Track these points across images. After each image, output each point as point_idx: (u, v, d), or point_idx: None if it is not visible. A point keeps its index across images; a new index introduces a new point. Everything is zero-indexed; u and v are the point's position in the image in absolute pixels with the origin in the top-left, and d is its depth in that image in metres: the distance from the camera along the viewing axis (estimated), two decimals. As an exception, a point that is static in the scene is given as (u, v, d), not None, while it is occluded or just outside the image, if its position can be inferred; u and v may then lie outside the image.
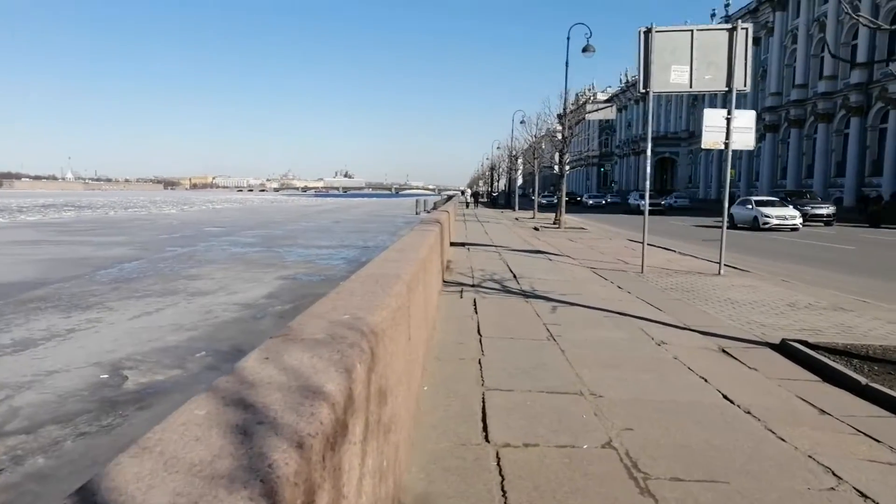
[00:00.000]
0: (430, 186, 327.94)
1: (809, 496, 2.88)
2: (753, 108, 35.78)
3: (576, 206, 58.91)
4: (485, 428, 3.63)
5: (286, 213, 62.73)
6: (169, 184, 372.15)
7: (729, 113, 10.80)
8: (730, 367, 5.25)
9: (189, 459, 1.08)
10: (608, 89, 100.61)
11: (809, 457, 3.31)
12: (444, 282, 9.58)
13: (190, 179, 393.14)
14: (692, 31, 10.87)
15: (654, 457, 3.25)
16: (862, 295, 9.00)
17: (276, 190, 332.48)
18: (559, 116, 31.49)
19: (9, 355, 8.51)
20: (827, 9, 46.48)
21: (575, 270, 11.79)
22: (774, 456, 3.32)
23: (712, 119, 11.02)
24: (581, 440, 3.45)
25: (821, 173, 46.94)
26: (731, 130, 10.76)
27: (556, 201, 30.79)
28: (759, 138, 43.05)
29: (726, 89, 10.80)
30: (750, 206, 27.77)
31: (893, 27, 5.26)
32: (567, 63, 26.14)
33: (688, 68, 10.81)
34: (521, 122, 43.07)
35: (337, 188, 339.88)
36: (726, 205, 11.22)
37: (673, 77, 10.90)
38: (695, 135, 68.60)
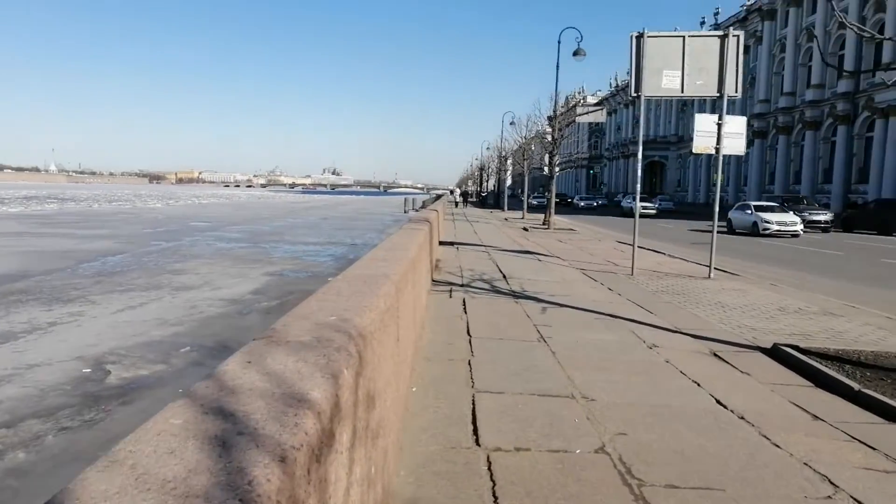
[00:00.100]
0: (419, 185, 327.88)
1: (806, 506, 2.81)
2: (742, 114, 35.93)
3: (567, 207, 58.92)
4: (475, 431, 3.54)
5: (273, 209, 62.34)
6: (154, 178, 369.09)
7: (720, 118, 10.80)
8: (722, 371, 5.19)
9: (162, 475, 0.97)
10: (598, 93, 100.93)
11: (805, 464, 3.25)
12: (434, 281, 9.49)
13: (176, 174, 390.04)
14: (684, 36, 10.87)
15: (648, 462, 3.18)
16: (851, 300, 9.01)
17: (264, 186, 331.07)
18: (549, 118, 31.49)
19: (-12, 348, 8.32)
20: (815, 19, 46.94)
21: (565, 271, 11.74)
22: (770, 463, 3.25)
23: (704, 124, 11.01)
24: (574, 445, 3.37)
25: (808, 180, 47.36)
26: (722, 136, 10.76)
27: (546, 202, 30.78)
28: (748, 144, 43.32)
29: (717, 95, 10.80)
30: (749, 212, 27.02)
31: (887, 37, 5.23)
32: (557, 66, 26.07)
33: (679, 73, 10.80)
34: (510, 124, 43.14)
35: (325, 185, 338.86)
36: (717, 209, 11.21)
37: (664, 82, 10.88)
38: (684, 139, 68.98)
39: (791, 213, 26.95)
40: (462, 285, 9.31)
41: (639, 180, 11.99)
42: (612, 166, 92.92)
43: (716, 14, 62.58)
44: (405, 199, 64.26)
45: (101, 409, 6.30)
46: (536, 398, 4.18)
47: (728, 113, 10.87)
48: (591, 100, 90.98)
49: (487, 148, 68.29)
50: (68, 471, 4.91)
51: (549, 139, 28.83)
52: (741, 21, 56.39)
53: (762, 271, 13.16)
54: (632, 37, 10.94)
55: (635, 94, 11.09)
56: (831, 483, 3.02)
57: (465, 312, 7.23)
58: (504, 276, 10.49)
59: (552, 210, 27.34)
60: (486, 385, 4.44)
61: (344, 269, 3.57)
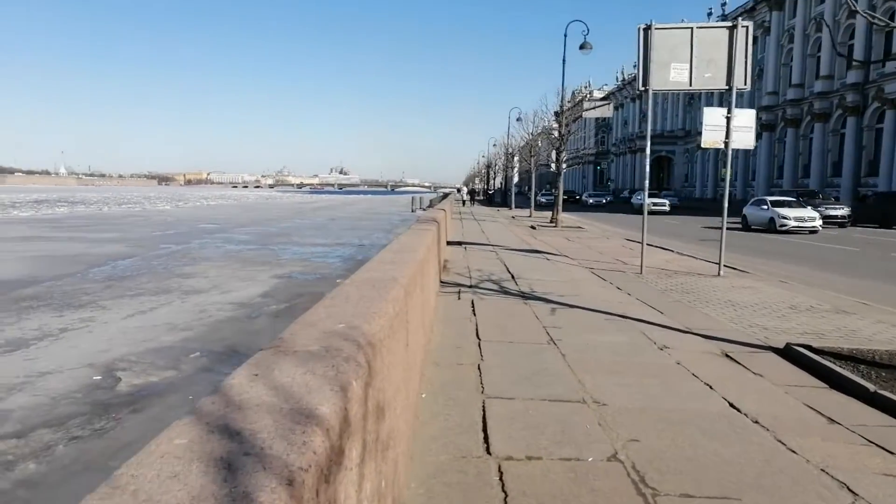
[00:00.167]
0: (426, 184, 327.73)
1: (825, 513, 2.76)
2: (750, 106, 35.73)
3: (575, 204, 58.49)
4: (486, 439, 3.50)
5: (281, 209, 62.45)
6: (163, 179, 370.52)
7: (729, 112, 10.69)
8: (734, 372, 5.13)
9: (165, 503, 0.94)
10: (604, 87, 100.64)
11: (822, 470, 3.20)
12: (442, 282, 9.45)
13: (184, 175, 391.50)
14: (692, 28, 10.75)
15: (662, 471, 3.13)
16: (862, 297, 8.91)
17: (271, 186, 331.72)
18: (556, 114, 31.36)
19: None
20: (823, 9, 46.50)
21: (573, 271, 11.67)
22: (786, 469, 3.20)
23: (712, 118, 10.91)
24: (586, 452, 3.32)
25: (817, 173, 46.98)
26: (731, 129, 10.65)
27: (554, 200, 30.64)
28: (756, 137, 43.22)
29: (726, 87, 10.69)
30: (765, 207, 26.10)
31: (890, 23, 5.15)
32: (564, 60, 25.91)
33: (687, 66, 10.69)
34: (517, 120, 43.00)
35: (332, 185, 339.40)
36: (726, 204, 11.10)
37: (672, 75, 10.78)
38: (691, 133, 68.63)
39: (809, 208, 26.14)
40: (470, 286, 9.27)
41: (647, 176, 11.90)
42: (619, 162, 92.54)
43: (723, 5, 62.10)
44: (412, 198, 64.26)
45: (112, 417, 6.29)
46: (547, 403, 4.13)
47: (736, 106, 10.76)
48: (597, 94, 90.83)
49: (494, 145, 68.18)
50: (79, 482, 4.89)
51: (556, 135, 28.69)
52: (748, 11, 55.92)
53: (775, 268, 13.04)
54: (639, 29, 10.85)
55: (643, 88, 11.00)
56: (850, 490, 2.96)
57: (474, 314, 7.19)
58: (512, 277, 10.44)
59: (560, 208, 27.23)
60: (497, 390, 4.40)
61: (352, 270, 3.54)
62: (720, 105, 10.85)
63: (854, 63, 40.45)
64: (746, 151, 46.02)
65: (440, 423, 3.77)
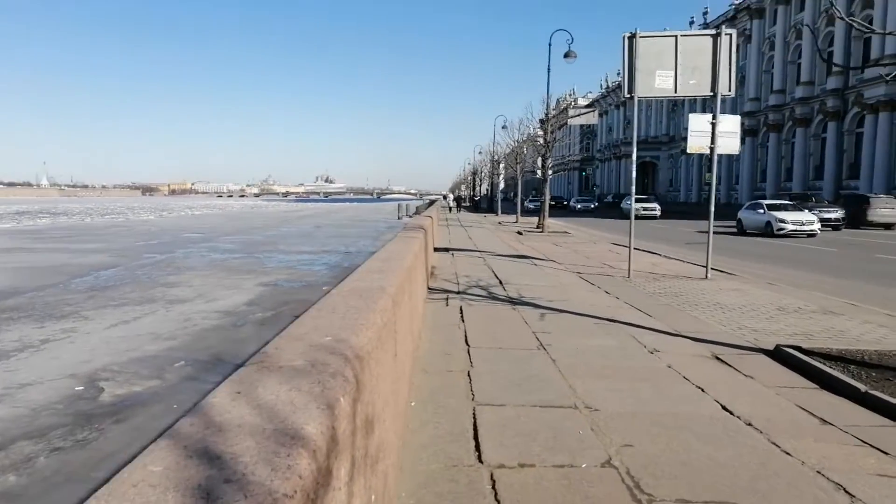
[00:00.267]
0: (412, 191, 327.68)
1: (822, 518, 2.72)
2: (733, 112, 36.05)
3: (563, 210, 58.51)
4: (477, 447, 3.43)
5: (267, 218, 62.07)
6: (147, 190, 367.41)
7: (714, 118, 10.75)
8: (725, 375, 5.11)
9: (138, 536, 0.88)
10: (589, 94, 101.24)
11: (818, 472, 3.16)
12: (430, 289, 9.39)
13: (169, 185, 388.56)
14: (676, 36, 10.81)
15: (657, 476, 3.08)
16: (849, 298, 8.96)
17: (257, 195, 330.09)
18: (541, 121, 31.47)
19: (-22, 369, 8.18)
20: (803, 17, 47.19)
21: (561, 275, 11.65)
22: (781, 472, 3.16)
23: (697, 124, 10.96)
24: (579, 459, 3.27)
25: (799, 177, 47.56)
26: (716, 135, 10.71)
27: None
28: (740, 142, 43.45)
29: (711, 94, 10.75)
30: (761, 211, 25.62)
31: (887, 32, 5.19)
32: (549, 69, 26.04)
33: (672, 73, 10.74)
34: (502, 127, 43.08)
35: (318, 193, 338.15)
36: (712, 208, 11.14)
37: (657, 82, 10.82)
38: (675, 139, 69.21)
39: (806, 211, 25.62)
40: (458, 292, 9.21)
41: (633, 181, 11.92)
42: (604, 168, 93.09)
43: (705, 13, 62.93)
44: (398, 206, 64.16)
45: (94, 427, 6.19)
46: (539, 409, 4.07)
47: (720, 112, 10.83)
48: (581, 102, 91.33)
49: (480, 152, 68.19)
50: (60, 493, 4.81)
51: (542, 142, 28.76)
52: (730, 20, 56.66)
53: (769, 272, 13.11)
54: (624, 38, 10.89)
55: (628, 96, 11.03)
56: (847, 492, 2.93)
57: (463, 321, 7.13)
58: (500, 282, 10.39)
59: (546, 213, 27.28)
60: (487, 397, 4.33)
61: (339, 277, 3.47)
62: (703, 111, 10.92)
63: (836, 68, 40.97)
64: (730, 156, 46.23)
65: (430, 431, 3.70)
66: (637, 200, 40.52)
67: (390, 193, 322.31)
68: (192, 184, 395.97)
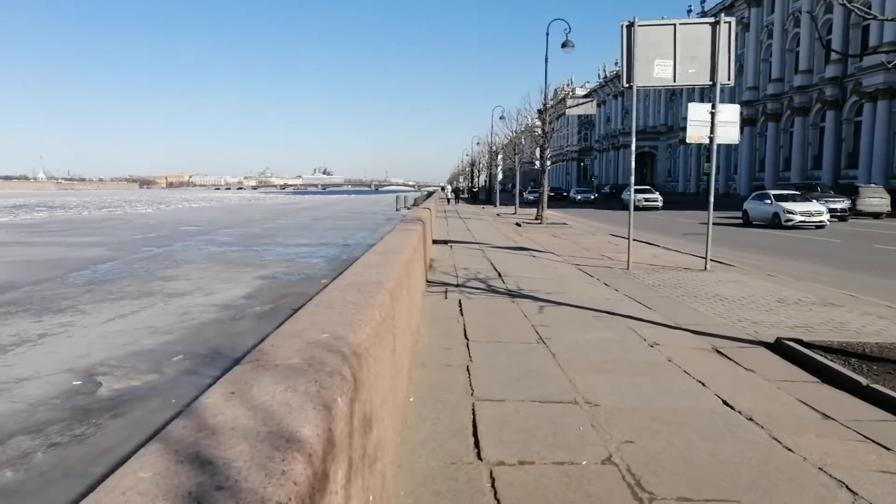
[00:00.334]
0: (411, 183, 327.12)
1: (825, 514, 2.70)
2: (731, 102, 35.90)
3: (562, 201, 58.32)
4: (476, 444, 3.40)
5: (264, 210, 61.93)
6: (145, 183, 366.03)
7: (713, 107, 10.70)
8: (726, 368, 5.08)
9: (125, 548, 0.84)
10: (587, 84, 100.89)
11: (820, 469, 3.14)
12: (428, 282, 9.35)
13: (166, 178, 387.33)
14: (675, 25, 10.73)
15: (658, 473, 3.05)
16: (848, 289, 8.94)
17: (255, 188, 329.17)
18: (539, 112, 31.36)
19: (-25, 363, 8.14)
20: (801, 4, 46.99)
21: (560, 267, 11.62)
22: (783, 469, 3.13)
23: (697, 113, 10.91)
24: (579, 456, 3.24)
25: (798, 166, 47.50)
26: (715, 124, 10.66)
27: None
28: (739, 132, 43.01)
29: (710, 83, 10.69)
30: (769, 202, 24.70)
31: (890, 18, 5.13)
32: (546, 58, 25.91)
33: (671, 62, 10.67)
34: (500, 118, 42.95)
35: (316, 185, 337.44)
36: (711, 199, 11.11)
37: (656, 71, 10.76)
38: (673, 129, 69.07)
39: (815, 201, 24.77)
40: (457, 285, 9.18)
41: (633, 171, 11.88)
42: (602, 158, 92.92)
43: (703, 2, 62.58)
44: (397, 197, 64.05)
45: (92, 422, 6.16)
46: (538, 405, 4.05)
47: (718, 101, 10.78)
48: (579, 91, 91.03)
49: (477, 143, 67.99)
50: (57, 488, 4.78)
51: (540, 132, 28.68)
52: (728, 8, 56.35)
53: (755, 261, 13.08)
54: (622, 26, 10.82)
55: (627, 85, 10.96)
56: (849, 490, 2.91)
57: (462, 314, 7.10)
58: (499, 275, 10.36)
59: (545, 204, 27.23)
60: (486, 392, 4.30)
61: (337, 270, 3.43)
62: (701, 100, 10.89)
63: (836, 55, 40.81)
64: (728, 146, 46.16)
65: (429, 427, 3.67)
66: (638, 191, 40.61)
67: (388, 185, 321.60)
68: (190, 176, 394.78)
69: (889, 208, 29.62)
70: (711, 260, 11.13)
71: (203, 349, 8.77)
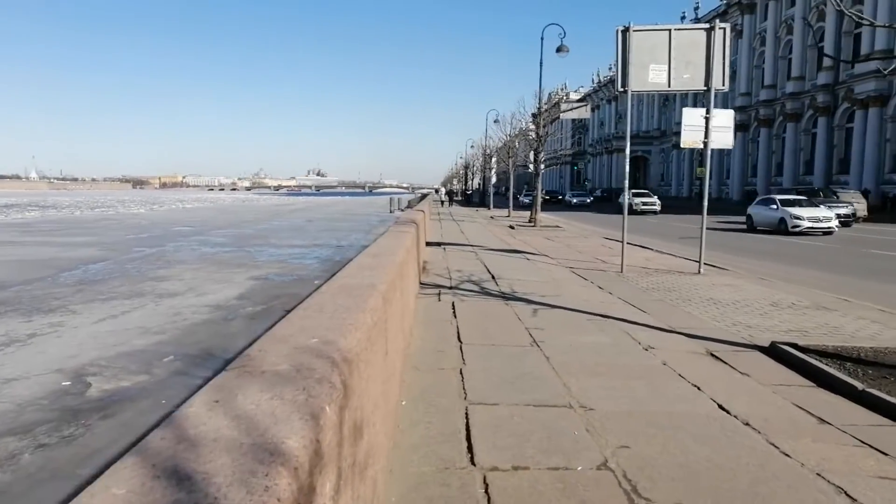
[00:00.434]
0: (404, 185, 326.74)
1: (824, 522, 2.65)
2: (724, 107, 35.82)
3: (557, 204, 58.19)
4: (470, 448, 3.34)
5: (258, 211, 61.70)
6: (138, 183, 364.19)
7: (708, 112, 10.70)
8: (721, 372, 5.05)
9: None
10: (580, 89, 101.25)
11: (818, 474, 3.10)
12: (421, 284, 9.29)
13: (159, 178, 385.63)
14: (670, 30, 10.74)
15: (654, 479, 3.00)
16: (842, 293, 8.93)
17: (248, 189, 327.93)
18: (534, 115, 31.38)
19: (-38, 364, 8.03)
20: (794, 12, 47.26)
21: (554, 270, 11.59)
22: (781, 474, 3.09)
23: (691, 118, 10.90)
24: (574, 461, 3.18)
25: (790, 171, 47.74)
26: (709, 129, 10.66)
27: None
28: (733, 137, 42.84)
29: (705, 88, 10.69)
30: (774, 207, 23.89)
31: (886, 25, 5.12)
32: (541, 63, 25.95)
33: (666, 67, 10.67)
34: (494, 121, 43.04)
35: (310, 187, 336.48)
36: (706, 203, 11.10)
37: (651, 76, 10.75)
38: (666, 134, 69.30)
39: (823, 207, 24.19)
40: (451, 287, 9.12)
41: (627, 175, 11.87)
42: (595, 162, 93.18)
43: (696, 8, 62.94)
44: (391, 199, 63.87)
45: (81, 423, 6.09)
46: (532, 409, 3.99)
47: (712, 106, 10.78)
48: (573, 96, 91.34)
49: (472, 146, 68.10)
50: (45, 490, 4.71)
51: (534, 136, 28.68)
52: (721, 14, 56.69)
53: (747, 264, 13.08)
54: (617, 31, 10.81)
55: (622, 90, 10.94)
56: (848, 496, 2.86)
57: (455, 316, 7.04)
58: (493, 277, 10.31)
59: (538, 207, 27.23)
60: (480, 396, 4.24)
61: (330, 271, 3.36)
62: (695, 106, 10.93)
63: (833, 60, 40.99)
64: (721, 151, 46.42)
65: (421, 431, 3.61)
66: (636, 195, 40.55)
67: (382, 187, 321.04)
68: (184, 177, 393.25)
69: (866, 212, 29.66)
70: (705, 264, 11.11)
71: (195, 350, 8.68)
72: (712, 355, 5.56)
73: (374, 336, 2.47)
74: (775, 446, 3.46)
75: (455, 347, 5.64)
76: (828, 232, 22.34)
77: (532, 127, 32.36)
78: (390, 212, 51.26)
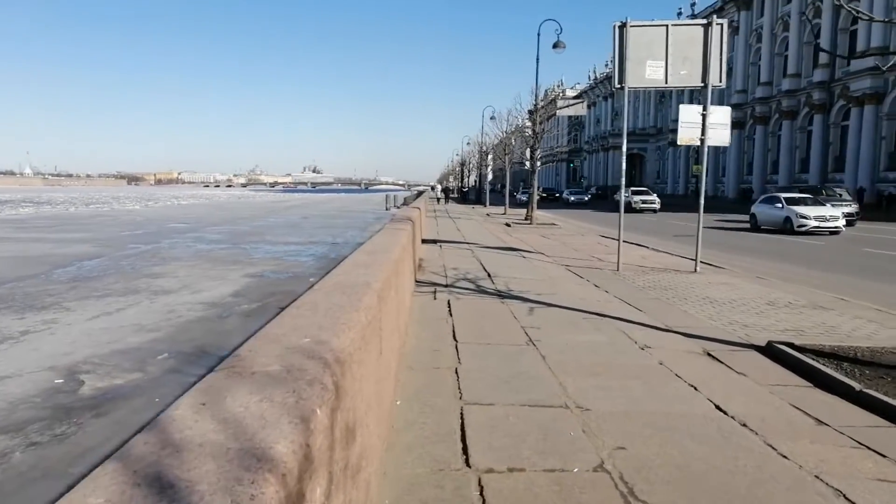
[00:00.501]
0: (400, 182, 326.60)
1: (823, 525, 2.62)
2: (720, 104, 35.82)
3: (554, 202, 58.02)
4: (465, 450, 3.30)
5: (253, 208, 61.54)
6: (133, 179, 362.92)
7: (704, 109, 10.66)
8: (717, 372, 5.02)
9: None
10: (577, 86, 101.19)
11: (816, 477, 3.07)
12: (417, 282, 9.25)
13: (155, 175, 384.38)
14: (667, 26, 10.69)
15: (651, 481, 2.97)
16: (838, 292, 8.93)
17: (244, 185, 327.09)
18: (530, 112, 31.33)
19: (-45, 362, 7.97)
20: (790, 9, 47.27)
21: (550, 268, 11.55)
22: (779, 477, 3.06)
23: (688, 115, 10.86)
24: (571, 462, 3.15)
25: (786, 169, 47.77)
26: (706, 126, 10.62)
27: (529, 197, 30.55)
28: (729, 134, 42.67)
29: (702, 85, 10.65)
30: (780, 205, 23.19)
31: (885, 20, 5.10)
32: (538, 59, 25.89)
33: (663, 63, 10.63)
34: (490, 118, 42.93)
35: (305, 183, 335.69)
36: (702, 200, 11.08)
37: (648, 72, 10.71)
38: (663, 131, 69.31)
39: (829, 205, 23.54)
40: (446, 285, 9.08)
41: (623, 172, 11.84)
42: (591, 159, 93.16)
43: (692, 5, 62.88)
44: (386, 196, 63.79)
45: (73, 422, 6.05)
46: (528, 409, 3.95)
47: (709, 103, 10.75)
48: (570, 93, 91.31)
49: (468, 143, 67.89)
50: (37, 489, 4.66)
51: (530, 133, 28.63)
52: (717, 11, 56.55)
53: (742, 262, 13.07)
54: (614, 27, 10.76)
55: (619, 86, 10.90)
56: (847, 499, 2.83)
57: (451, 315, 7.00)
58: (489, 275, 10.27)
59: (534, 205, 27.20)
60: (475, 396, 4.20)
61: (325, 268, 3.32)
62: (690, 103, 10.94)
63: (834, 56, 41.02)
64: (717, 149, 46.43)
65: (416, 432, 3.57)
66: (636, 193, 40.42)
67: (378, 184, 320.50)
68: (179, 173, 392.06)
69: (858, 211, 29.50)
70: (702, 262, 11.09)
71: (189, 347, 8.65)
72: (709, 355, 5.54)
73: (369, 335, 2.43)
74: (773, 448, 3.43)
75: (450, 346, 5.60)
76: (835, 231, 21.79)
77: (528, 124, 32.30)
78: (386, 209, 51.18)
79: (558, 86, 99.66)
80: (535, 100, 28.20)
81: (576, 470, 3.07)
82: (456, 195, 77.69)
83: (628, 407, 4.06)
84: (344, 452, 1.68)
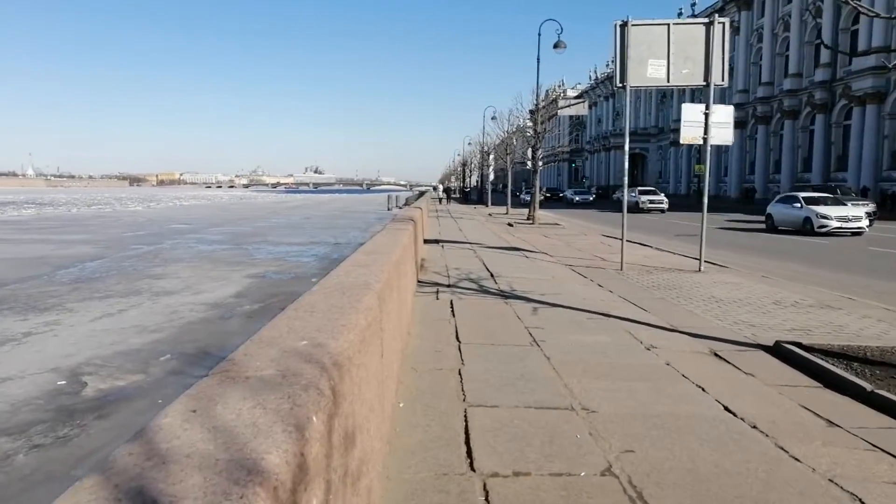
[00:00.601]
0: (402, 182, 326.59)
1: (838, 531, 2.54)
2: (722, 104, 35.54)
3: (558, 202, 57.83)
4: (469, 453, 3.22)
5: (255, 209, 61.58)
6: (135, 180, 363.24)
7: (707, 108, 10.58)
8: (725, 372, 4.93)
9: None
10: (578, 85, 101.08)
11: (830, 480, 2.98)
12: (419, 282, 9.17)
13: (157, 176, 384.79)
14: (668, 25, 10.61)
15: (661, 485, 2.88)
16: (845, 291, 8.84)
17: (246, 186, 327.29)
18: (531, 112, 31.25)
19: (-42, 363, 7.95)
20: (791, 8, 47.14)
21: (553, 268, 11.47)
22: (792, 481, 2.98)
23: (690, 114, 10.78)
24: (577, 466, 3.07)
25: (788, 168, 47.63)
26: (709, 125, 10.54)
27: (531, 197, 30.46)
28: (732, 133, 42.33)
29: (704, 84, 10.57)
30: (798, 205, 21.90)
31: (890, 17, 5.02)
32: (538, 59, 25.82)
33: (664, 62, 10.55)
34: (492, 118, 42.87)
35: (307, 184, 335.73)
36: (706, 200, 10.99)
37: (649, 71, 10.64)
38: (664, 131, 69.15)
39: (850, 205, 22.27)
40: (449, 286, 9.00)
41: (626, 172, 11.75)
42: (593, 159, 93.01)
43: (693, 5, 62.75)
44: (388, 197, 63.76)
45: (76, 424, 6.05)
46: (533, 411, 3.87)
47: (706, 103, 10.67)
48: (571, 93, 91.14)
49: (469, 143, 67.79)
50: (39, 492, 4.61)
51: (532, 133, 28.54)
52: (718, 11, 56.34)
53: (747, 262, 12.98)
54: (615, 25, 10.68)
55: (620, 85, 10.83)
56: (863, 504, 2.75)
57: (453, 315, 6.92)
58: (492, 275, 10.19)
59: (536, 205, 27.11)
60: (479, 398, 4.12)
61: (327, 269, 3.26)
62: (692, 102, 10.90)
63: (837, 52, 40.87)
64: (718, 148, 46.26)
65: (419, 435, 3.49)
66: (643, 192, 40.09)
67: (380, 184, 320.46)
68: (181, 174, 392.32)
69: None
70: (706, 261, 11.01)
71: (191, 348, 8.64)
72: (716, 355, 5.45)
73: (369, 337, 2.35)
74: (784, 450, 3.34)
75: (453, 347, 5.52)
76: (857, 232, 20.49)
77: (530, 124, 32.21)
78: (388, 209, 51.15)
79: (559, 86, 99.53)
80: (537, 100, 28.12)
81: (583, 474, 2.99)
82: (457, 195, 77.57)
83: (635, 409, 3.98)
84: (343, 459, 1.60)
